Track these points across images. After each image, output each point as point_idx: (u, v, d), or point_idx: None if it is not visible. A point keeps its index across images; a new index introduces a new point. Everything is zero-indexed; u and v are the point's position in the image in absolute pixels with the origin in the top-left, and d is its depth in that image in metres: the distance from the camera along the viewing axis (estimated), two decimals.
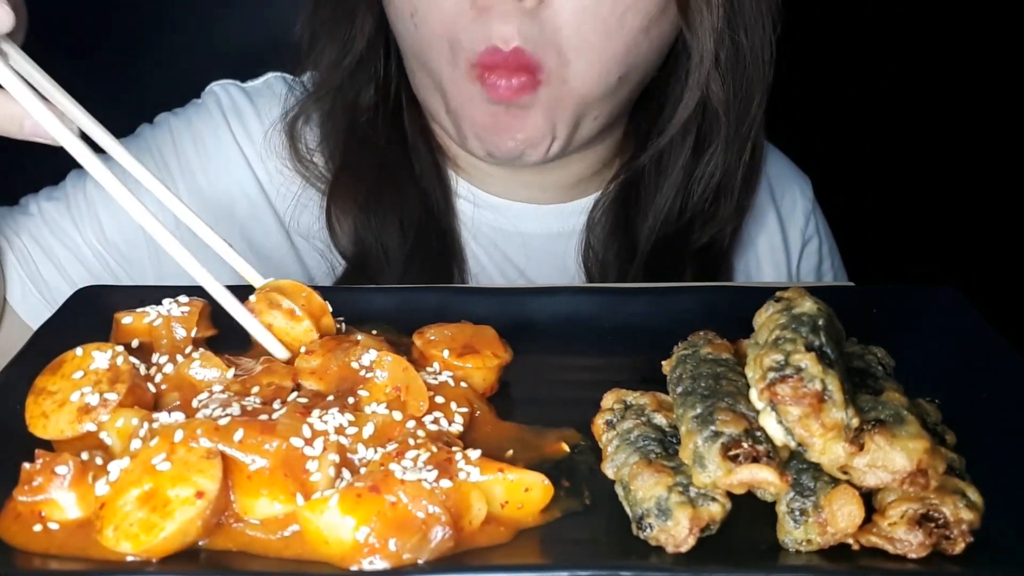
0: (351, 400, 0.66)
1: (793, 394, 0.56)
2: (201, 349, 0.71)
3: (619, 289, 0.91)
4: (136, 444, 0.61)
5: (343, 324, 0.76)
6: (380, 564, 0.54)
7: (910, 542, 0.55)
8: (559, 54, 0.94)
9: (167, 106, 1.15)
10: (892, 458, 0.56)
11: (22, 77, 0.70)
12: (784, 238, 1.21)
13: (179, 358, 0.70)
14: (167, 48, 1.70)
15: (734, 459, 0.57)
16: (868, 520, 0.56)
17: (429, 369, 0.71)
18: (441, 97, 1.00)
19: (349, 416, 0.63)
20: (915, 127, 2.04)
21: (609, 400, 0.67)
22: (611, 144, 1.11)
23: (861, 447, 0.56)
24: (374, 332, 0.75)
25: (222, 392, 0.67)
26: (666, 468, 0.59)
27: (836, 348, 0.60)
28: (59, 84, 0.73)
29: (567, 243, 1.11)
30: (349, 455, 0.61)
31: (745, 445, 0.57)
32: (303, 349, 0.72)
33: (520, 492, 0.59)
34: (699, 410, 0.60)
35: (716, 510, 0.57)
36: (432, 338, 0.73)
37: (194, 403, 0.65)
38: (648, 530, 0.56)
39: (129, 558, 0.55)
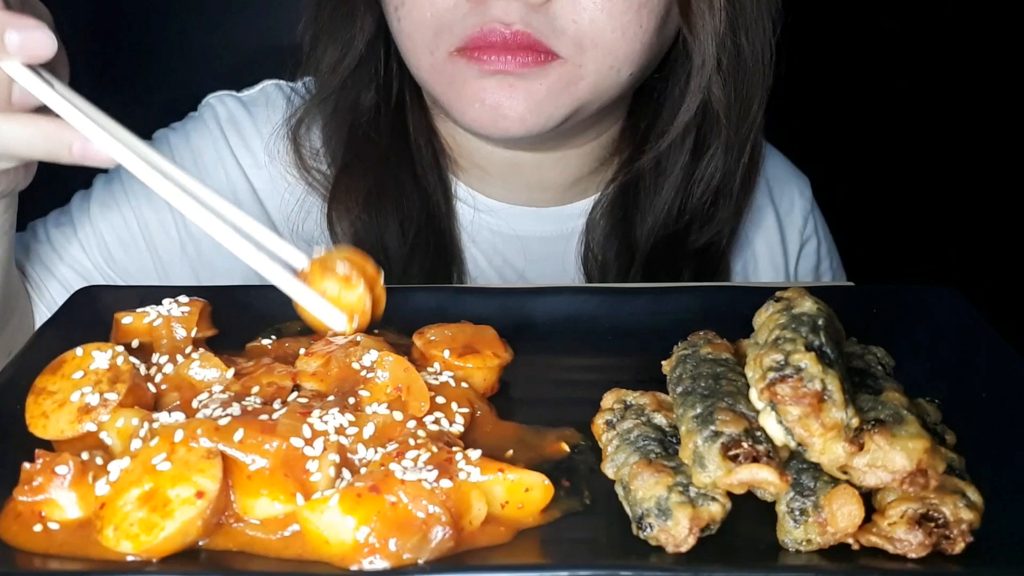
0: (352, 400, 0.66)
1: (793, 394, 0.56)
2: (201, 349, 0.71)
3: (619, 289, 0.91)
4: (136, 444, 0.61)
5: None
6: (380, 564, 0.54)
7: (910, 542, 0.55)
8: (575, 43, 0.93)
9: (170, 113, 1.15)
10: (892, 458, 0.56)
11: (70, 102, 0.69)
12: (782, 238, 1.21)
13: (179, 358, 0.70)
14: (171, 55, 1.70)
15: (734, 459, 0.57)
16: (868, 520, 0.56)
17: (430, 369, 0.71)
18: (427, 88, 1.00)
19: (349, 416, 0.63)
20: (915, 127, 2.04)
21: (609, 400, 0.67)
22: (608, 143, 1.11)
23: (861, 447, 0.56)
24: (375, 332, 0.75)
25: (222, 392, 0.67)
26: (666, 468, 0.59)
27: (836, 348, 0.60)
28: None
29: (566, 246, 1.11)
30: (349, 455, 0.61)
31: (745, 445, 0.57)
32: (302, 350, 0.72)
33: (520, 492, 0.59)
34: (699, 410, 0.60)
35: (716, 510, 0.57)
36: (432, 338, 0.73)
37: (194, 403, 0.66)
38: (648, 530, 0.56)
39: (129, 558, 0.55)
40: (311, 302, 0.66)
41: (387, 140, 1.07)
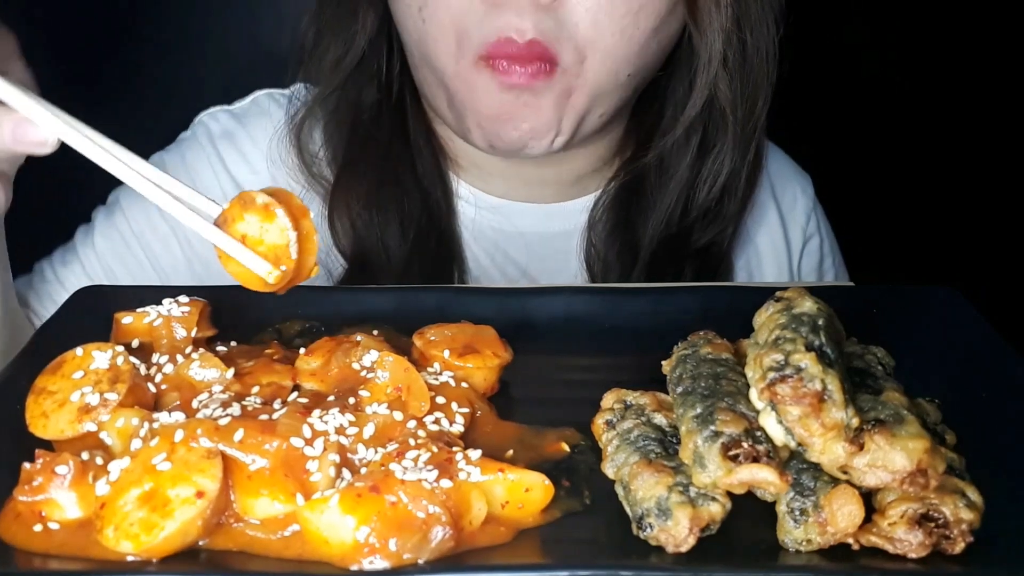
0: (352, 400, 0.66)
1: (793, 394, 0.56)
2: (201, 349, 0.71)
3: (619, 289, 0.91)
4: (136, 444, 0.61)
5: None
6: (380, 564, 0.54)
7: (910, 542, 0.55)
8: (576, 49, 0.94)
9: (168, 121, 1.14)
10: (892, 458, 0.56)
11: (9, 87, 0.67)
12: (785, 236, 1.21)
13: (179, 358, 0.70)
14: (164, 69, 1.70)
15: (734, 459, 0.57)
16: (868, 520, 0.56)
17: (430, 369, 0.71)
18: (444, 92, 1.00)
19: (350, 416, 0.63)
20: (915, 127, 2.04)
21: (609, 400, 0.67)
22: (612, 141, 1.11)
23: (861, 447, 0.56)
24: (374, 332, 0.75)
25: (222, 392, 0.67)
26: (666, 468, 0.59)
27: (836, 348, 0.60)
28: (59, 105, 0.70)
29: (568, 242, 1.11)
30: (349, 455, 0.61)
31: (745, 445, 0.57)
32: (302, 350, 0.72)
33: (520, 492, 0.59)
34: (699, 410, 0.60)
35: (716, 510, 0.57)
36: (433, 338, 0.73)
37: (194, 403, 0.66)
38: (648, 530, 0.56)
39: (129, 558, 0.55)
40: (230, 247, 0.64)
41: (388, 138, 1.07)
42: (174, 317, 0.73)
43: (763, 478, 0.56)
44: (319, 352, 0.71)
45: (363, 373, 0.68)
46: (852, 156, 1.95)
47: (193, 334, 0.73)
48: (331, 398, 0.67)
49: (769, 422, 0.58)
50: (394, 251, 1.05)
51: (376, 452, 0.61)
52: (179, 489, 0.56)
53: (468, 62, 0.95)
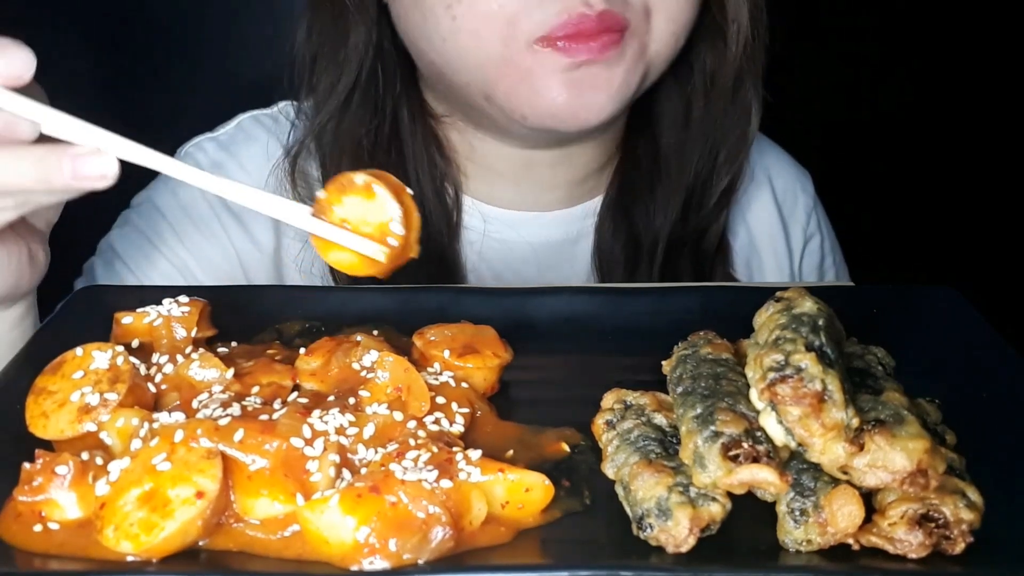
0: (352, 400, 0.66)
1: (793, 394, 0.56)
2: (201, 349, 0.71)
3: (620, 289, 0.91)
4: (136, 444, 0.61)
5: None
6: (380, 564, 0.54)
7: (910, 542, 0.55)
8: (643, 9, 0.93)
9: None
10: (892, 458, 0.56)
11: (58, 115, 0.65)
12: (786, 235, 1.21)
13: (179, 358, 0.70)
14: (176, 80, 1.70)
15: (734, 459, 0.57)
16: (868, 520, 0.56)
17: (430, 369, 0.71)
18: (482, 86, 0.96)
19: (350, 416, 0.63)
20: (915, 127, 2.04)
21: (609, 400, 0.67)
22: (616, 134, 1.11)
23: (861, 447, 0.56)
24: (375, 332, 0.75)
25: (222, 392, 0.67)
26: (666, 468, 0.59)
27: (836, 348, 0.60)
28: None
29: (574, 248, 1.11)
30: (349, 455, 0.61)
31: (745, 445, 0.57)
32: (302, 350, 0.72)
33: (520, 492, 0.59)
34: (699, 410, 0.60)
35: (716, 510, 0.57)
36: (433, 338, 0.73)
37: (194, 403, 0.66)
38: (648, 530, 0.56)
39: (129, 558, 0.55)
40: (334, 234, 0.62)
41: (383, 161, 1.05)
42: (174, 317, 0.73)
43: (763, 478, 0.56)
44: (319, 352, 0.71)
45: (363, 373, 0.68)
46: (852, 157, 1.95)
47: (193, 334, 0.73)
48: (331, 398, 0.67)
49: (769, 422, 0.58)
50: (389, 278, 1.04)
51: (376, 452, 0.61)
52: (179, 489, 0.56)
53: (520, 45, 0.92)
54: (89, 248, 1.11)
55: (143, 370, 0.68)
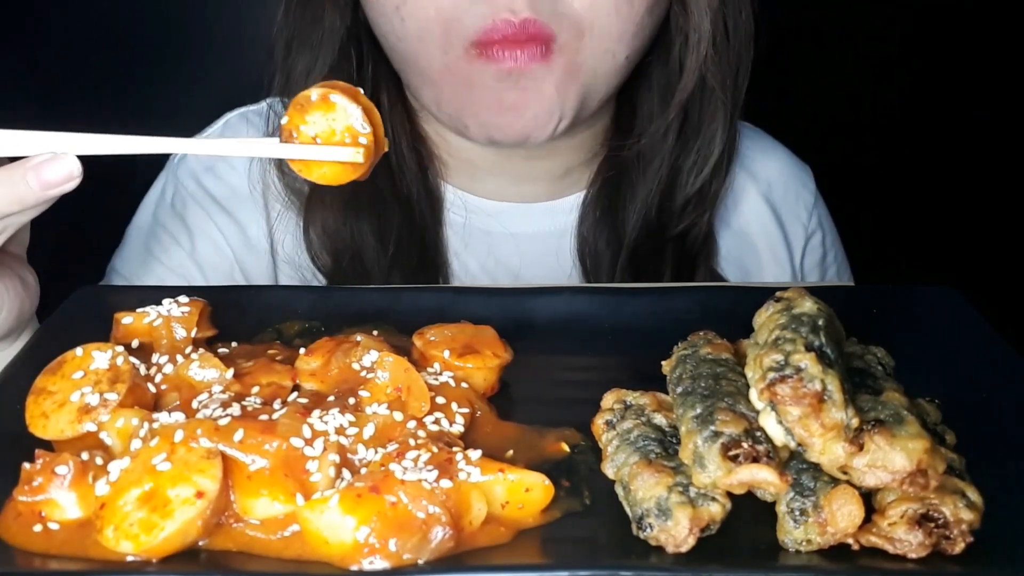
0: (352, 401, 0.66)
1: (793, 394, 0.56)
2: (201, 349, 0.71)
3: (619, 289, 0.91)
4: (136, 444, 0.61)
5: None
6: (380, 564, 0.54)
7: (910, 542, 0.55)
8: (573, 27, 0.93)
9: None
10: (892, 458, 0.56)
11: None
12: (784, 232, 1.20)
13: (179, 358, 0.70)
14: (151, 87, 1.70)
15: (734, 459, 0.57)
16: (868, 520, 0.56)
17: (430, 370, 0.71)
18: (434, 90, 0.99)
19: (349, 416, 0.63)
20: (915, 127, 2.04)
21: (609, 400, 0.67)
22: (598, 132, 1.11)
23: (861, 447, 0.56)
24: (374, 332, 0.75)
25: (222, 392, 0.67)
26: (666, 468, 0.59)
27: (836, 348, 0.60)
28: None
29: (559, 241, 1.11)
30: (349, 455, 0.61)
31: (745, 445, 0.57)
32: (302, 350, 0.72)
33: (520, 492, 0.59)
34: (699, 410, 0.60)
35: (716, 510, 0.57)
36: (432, 338, 0.73)
37: (194, 403, 0.65)
38: (648, 530, 0.56)
39: (129, 558, 0.55)
40: (308, 152, 0.66)
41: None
42: (174, 317, 0.73)
43: (763, 478, 0.56)
44: (319, 352, 0.71)
45: (363, 373, 0.68)
46: (852, 156, 1.95)
47: (193, 334, 0.73)
48: (331, 398, 0.67)
49: (769, 422, 0.58)
50: (371, 263, 1.04)
51: (376, 452, 0.61)
52: (179, 489, 0.56)
53: (458, 54, 0.94)
54: (90, 247, 1.11)
55: (143, 370, 0.68)
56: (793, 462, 0.59)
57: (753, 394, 0.59)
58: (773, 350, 0.58)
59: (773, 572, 0.56)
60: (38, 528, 0.57)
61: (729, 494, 0.57)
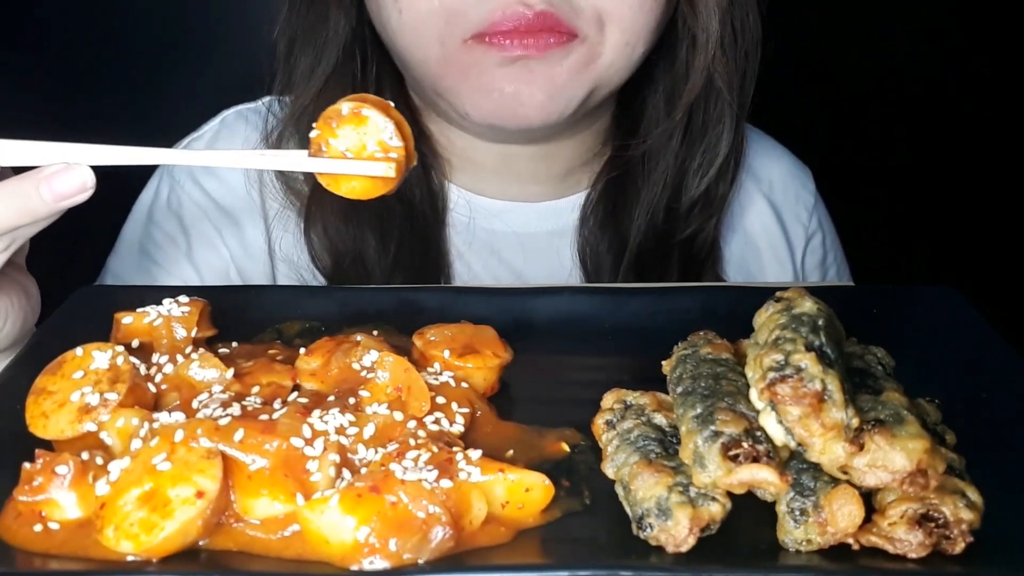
0: (352, 400, 0.66)
1: (793, 394, 0.56)
2: (201, 349, 0.71)
3: (619, 289, 0.91)
4: (136, 444, 0.61)
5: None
6: (380, 564, 0.54)
7: (910, 542, 0.55)
8: (595, 20, 0.93)
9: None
10: (892, 458, 0.56)
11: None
12: (785, 233, 1.20)
13: (179, 358, 0.70)
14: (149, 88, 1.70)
15: (734, 459, 0.57)
16: (868, 520, 0.56)
17: (430, 369, 0.71)
18: (430, 84, 0.98)
19: (350, 416, 0.63)
20: (915, 127, 2.04)
21: (609, 400, 0.67)
22: (599, 132, 1.11)
23: (861, 447, 0.56)
24: (374, 332, 0.75)
25: (222, 392, 0.67)
26: (666, 468, 0.59)
27: (836, 348, 0.60)
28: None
29: (561, 241, 1.11)
30: (349, 455, 0.61)
31: (745, 445, 0.57)
32: (302, 350, 0.72)
33: (521, 492, 0.59)
34: (699, 410, 0.60)
35: (716, 510, 0.57)
36: (432, 338, 0.73)
37: (194, 403, 0.65)
38: (648, 530, 0.56)
39: (129, 558, 0.55)
40: (339, 167, 0.65)
41: None
42: (174, 317, 0.73)
43: (763, 478, 0.56)
44: (319, 352, 0.71)
45: (363, 373, 0.68)
46: (852, 156, 1.95)
47: (193, 334, 0.73)
48: (331, 398, 0.67)
49: (769, 422, 0.58)
50: (373, 264, 1.03)
51: (376, 452, 0.61)
52: (179, 489, 0.56)
53: (456, 43, 0.93)
54: (89, 248, 1.11)
55: (143, 370, 0.68)
56: (793, 462, 0.59)
57: (753, 394, 0.59)
58: (773, 350, 0.58)
59: (773, 572, 0.56)
60: (38, 528, 0.57)
61: (729, 494, 0.57)
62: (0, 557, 0.56)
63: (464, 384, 0.70)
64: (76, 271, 1.09)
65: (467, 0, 0.92)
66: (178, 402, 0.66)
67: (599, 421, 0.66)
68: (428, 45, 0.95)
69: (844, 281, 1.24)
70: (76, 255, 1.11)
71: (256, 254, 1.08)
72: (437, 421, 0.65)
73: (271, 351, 0.74)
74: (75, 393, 0.65)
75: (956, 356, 0.75)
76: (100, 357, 0.67)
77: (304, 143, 1.03)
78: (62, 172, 0.66)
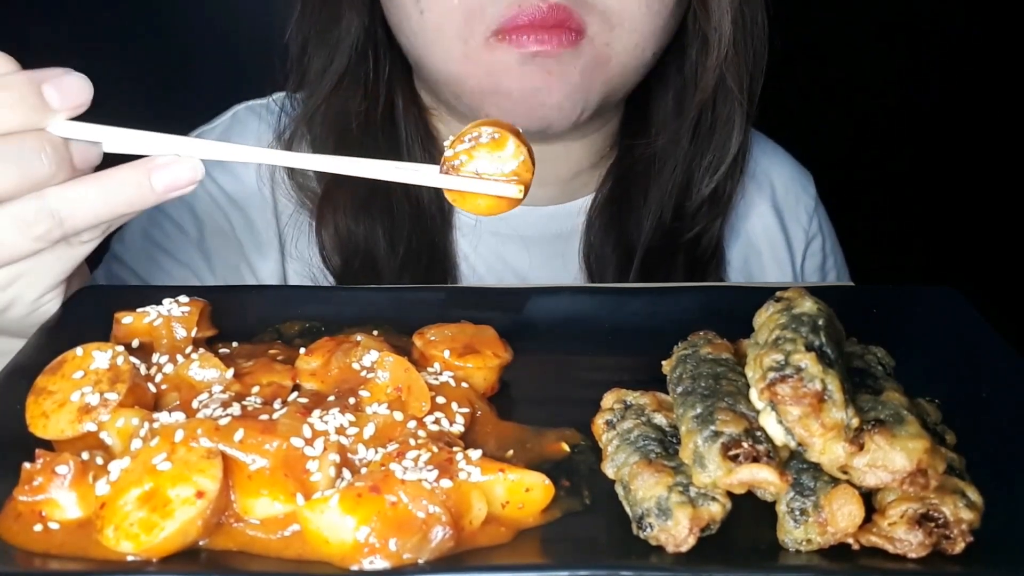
0: (352, 400, 0.66)
1: (793, 394, 0.56)
2: (201, 349, 0.71)
3: (619, 289, 0.91)
4: (136, 444, 0.61)
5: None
6: (380, 564, 0.54)
7: (910, 542, 0.55)
8: (603, 19, 0.93)
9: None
10: (892, 458, 0.56)
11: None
12: (786, 237, 1.21)
13: (179, 358, 0.70)
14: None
15: (734, 459, 0.57)
16: (868, 520, 0.56)
17: (430, 369, 0.71)
18: (452, 83, 0.98)
19: (350, 416, 0.63)
20: (915, 127, 2.04)
21: (609, 400, 0.67)
22: (608, 135, 1.11)
23: (861, 447, 0.56)
24: (374, 332, 0.75)
25: (222, 392, 0.67)
26: (666, 468, 0.59)
27: (836, 348, 0.60)
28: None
29: (567, 245, 1.11)
30: (350, 455, 0.61)
31: (745, 445, 0.57)
32: (302, 350, 0.72)
33: (521, 492, 0.59)
34: (699, 410, 0.60)
35: (716, 510, 0.57)
36: (433, 338, 0.73)
37: (194, 403, 0.65)
38: (648, 530, 0.56)
39: (129, 558, 0.55)
40: (473, 186, 0.68)
41: (377, 147, 1.05)
42: (174, 317, 0.73)
43: (763, 478, 0.56)
44: (319, 352, 0.71)
45: (363, 373, 0.68)
46: (852, 156, 1.95)
47: (193, 334, 0.73)
48: (331, 398, 0.67)
49: (769, 422, 0.58)
50: (383, 263, 1.04)
51: (376, 452, 0.61)
52: (179, 489, 0.56)
53: (478, 42, 0.93)
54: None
55: (143, 370, 0.68)
56: (793, 462, 0.59)
57: (753, 394, 0.59)
58: (773, 350, 0.58)
59: (773, 572, 0.56)
60: (38, 528, 0.57)
61: (729, 494, 0.57)
62: (0, 557, 0.56)
63: (464, 384, 0.70)
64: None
65: None
66: (178, 402, 0.66)
67: (599, 421, 0.66)
68: (450, 44, 0.95)
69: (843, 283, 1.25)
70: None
71: (267, 251, 1.08)
72: (437, 421, 0.65)
73: (271, 351, 0.74)
74: (75, 393, 0.65)
75: (956, 356, 0.75)
76: (100, 357, 0.67)
77: (315, 144, 1.05)
78: (175, 163, 0.66)
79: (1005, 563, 0.56)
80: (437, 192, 1.07)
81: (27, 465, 0.59)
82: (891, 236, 2.00)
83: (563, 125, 0.97)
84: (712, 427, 0.58)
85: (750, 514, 0.58)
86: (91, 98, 0.66)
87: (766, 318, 0.62)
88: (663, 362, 0.69)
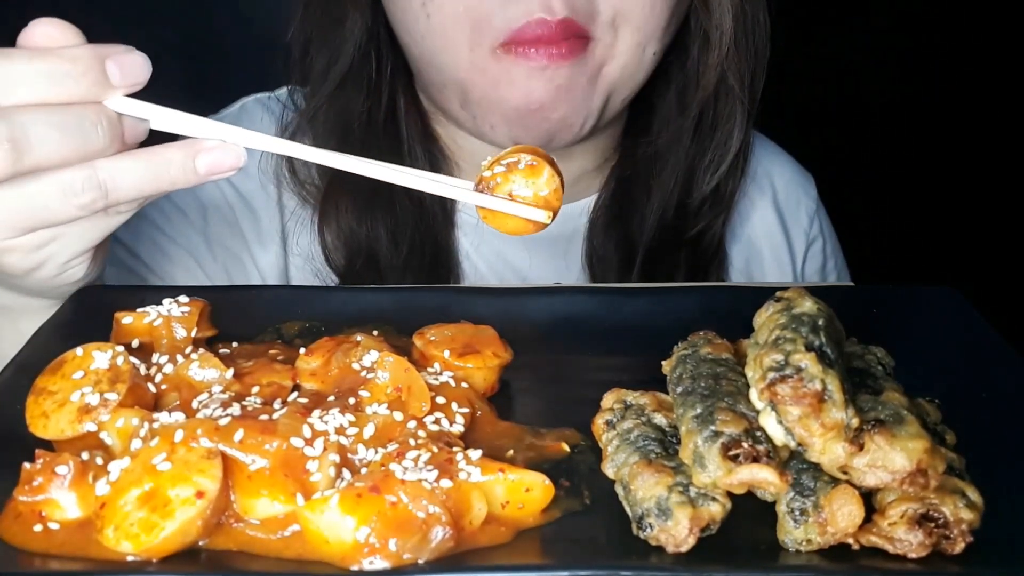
0: (352, 400, 0.66)
1: (793, 394, 0.56)
2: (201, 349, 0.71)
3: (619, 289, 0.91)
4: (136, 444, 0.61)
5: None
6: (380, 564, 0.54)
7: (910, 542, 0.55)
8: (609, 22, 0.93)
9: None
10: (892, 458, 0.56)
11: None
12: (787, 239, 1.21)
13: (179, 358, 0.70)
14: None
15: (734, 459, 0.57)
16: (868, 520, 0.56)
17: (430, 370, 0.71)
18: (457, 89, 0.98)
19: (350, 416, 0.63)
20: (916, 127, 2.04)
21: (609, 400, 0.67)
22: (613, 136, 1.11)
23: (861, 447, 0.56)
24: (374, 332, 0.75)
25: (222, 392, 0.67)
26: (666, 468, 0.59)
27: (836, 348, 0.60)
28: None
29: (569, 245, 1.11)
30: (349, 455, 0.61)
31: (745, 445, 0.57)
32: (302, 350, 0.72)
33: (521, 492, 0.59)
34: (699, 410, 0.60)
35: (716, 510, 0.57)
36: (433, 338, 0.73)
37: (194, 403, 0.65)
38: (648, 530, 0.56)
39: (129, 558, 0.55)
40: (505, 207, 0.71)
41: (379, 147, 1.05)
42: (174, 317, 0.73)
43: (763, 478, 0.56)
44: (319, 352, 0.71)
45: (363, 373, 0.68)
46: (852, 156, 1.95)
47: (193, 334, 0.73)
48: (331, 398, 0.67)
49: (769, 422, 0.58)
50: (385, 263, 1.04)
51: (376, 452, 0.61)
52: (179, 489, 0.56)
53: (485, 51, 0.93)
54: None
55: (143, 370, 0.68)
56: (793, 462, 0.59)
57: (753, 394, 0.59)
58: (773, 350, 0.58)
59: (773, 572, 0.56)
60: (38, 528, 0.57)
61: (729, 494, 0.57)
62: (0, 557, 0.56)
63: (464, 384, 0.70)
64: None
65: (491, 6, 0.92)
66: (178, 402, 0.66)
67: (599, 421, 0.66)
68: (457, 50, 0.95)
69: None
70: None
71: (268, 243, 1.08)
72: (437, 421, 0.65)
73: (271, 351, 0.74)
74: (75, 393, 0.65)
75: (956, 356, 0.75)
76: (100, 357, 0.67)
77: (317, 142, 1.05)
78: (220, 148, 0.68)
79: (1005, 563, 0.56)
80: None
81: (27, 465, 0.59)
82: (891, 236, 2.00)
83: (567, 139, 0.97)
84: (712, 427, 0.58)
85: (750, 514, 0.58)
86: (148, 77, 0.67)
87: (766, 318, 0.62)
88: (663, 362, 0.69)
